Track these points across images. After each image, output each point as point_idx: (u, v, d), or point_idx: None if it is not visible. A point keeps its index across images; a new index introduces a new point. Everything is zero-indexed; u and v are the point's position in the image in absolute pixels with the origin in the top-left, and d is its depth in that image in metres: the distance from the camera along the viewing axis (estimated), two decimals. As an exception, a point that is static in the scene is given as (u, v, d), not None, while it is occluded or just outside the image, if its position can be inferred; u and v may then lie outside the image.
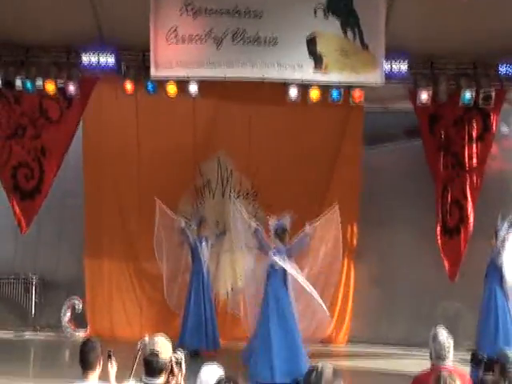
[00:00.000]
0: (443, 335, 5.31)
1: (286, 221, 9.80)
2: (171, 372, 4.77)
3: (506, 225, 9.61)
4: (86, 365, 5.34)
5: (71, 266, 13.20)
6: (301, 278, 9.50)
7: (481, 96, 10.30)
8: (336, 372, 2.86)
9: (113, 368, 5.72)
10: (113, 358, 5.71)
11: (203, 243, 11.37)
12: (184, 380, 4.85)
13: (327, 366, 2.88)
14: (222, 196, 12.91)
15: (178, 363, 4.80)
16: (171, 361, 4.77)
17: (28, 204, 11.55)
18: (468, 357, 8.11)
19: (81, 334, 12.29)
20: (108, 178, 12.70)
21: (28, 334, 12.88)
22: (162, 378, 4.76)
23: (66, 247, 13.38)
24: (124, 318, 12.58)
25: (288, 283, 9.59)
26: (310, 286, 9.47)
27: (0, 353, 10.82)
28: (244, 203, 12.61)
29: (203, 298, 11.31)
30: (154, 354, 4.73)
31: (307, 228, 9.89)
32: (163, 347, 4.80)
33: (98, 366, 5.37)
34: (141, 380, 4.67)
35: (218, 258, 12.66)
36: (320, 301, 9.48)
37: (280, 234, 9.73)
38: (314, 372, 2.83)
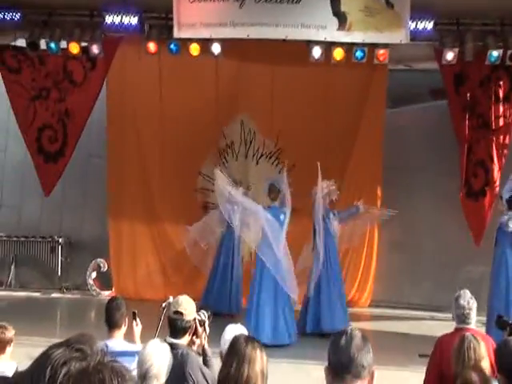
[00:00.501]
0: (465, 298, 5.31)
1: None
2: (195, 332, 4.82)
3: (507, 187, 9.39)
4: (111, 323, 5.42)
5: (96, 226, 13.34)
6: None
7: (508, 55, 10.08)
8: (365, 338, 2.83)
9: (138, 327, 5.81)
10: (137, 318, 5.79)
11: (235, 206, 11.30)
12: (207, 340, 4.91)
13: (356, 331, 2.80)
14: (245, 157, 12.92)
15: (202, 324, 4.84)
16: (195, 321, 4.82)
17: (51, 167, 11.58)
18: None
19: (106, 294, 12.46)
20: (131, 140, 12.74)
21: (54, 294, 13.08)
22: (185, 338, 4.81)
23: (91, 208, 13.51)
24: (148, 278, 12.71)
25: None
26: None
27: (27, 312, 10.99)
28: (267, 164, 12.67)
29: (232, 261, 11.35)
30: (179, 313, 4.78)
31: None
32: (188, 307, 4.84)
33: (123, 325, 5.45)
34: (165, 341, 4.72)
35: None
36: None
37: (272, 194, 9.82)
38: (344, 336, 2.79)
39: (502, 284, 9.09)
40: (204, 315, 4.91)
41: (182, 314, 4.79)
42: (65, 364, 1.36)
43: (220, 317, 10.06)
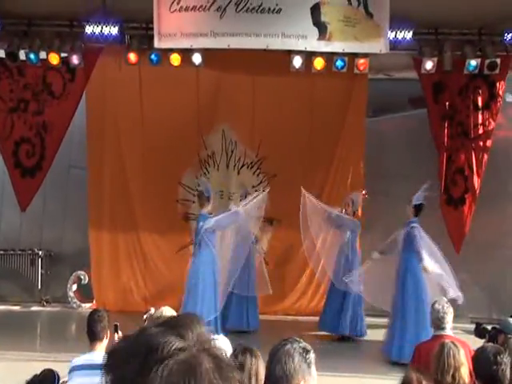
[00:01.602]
0: (440, 303, 5.37)
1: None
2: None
3: (419, 194, 9.47)
4: (93, 335, 5.39)
5: (76, 238, 13.24)
6: None
7: (486, 64, 10.19)
8: (300, 349, 2.81)
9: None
10: (119, 330, 5.75)
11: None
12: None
13: (293, 344, 2.81)
14: (227, 167, 12.90)
15: None
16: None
17: (28, 182, 11.42)
18: (470, 327, 8.16)
19: (87, 307, 12.37)
20: (111, 150, 12.68)
21: (34, 307, 12.96)
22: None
23: (72, 220, 13.41)
24: (129, 290, 12.64)
25: None
26: None
27: (7, 326, 10.89)
28: (248, 173, 12.69)
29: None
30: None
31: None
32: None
33: (105, 337, 5.43)
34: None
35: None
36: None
37: None
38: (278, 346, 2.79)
39: (409, 290, 9.15)
40: None
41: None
42: (160, 348, 1.29)
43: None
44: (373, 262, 9.82)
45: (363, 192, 10.54)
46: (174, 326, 1.34)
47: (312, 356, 2.81)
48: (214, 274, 9.50)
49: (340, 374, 7.95)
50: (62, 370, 5.96)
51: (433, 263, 9.00)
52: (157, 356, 1.28)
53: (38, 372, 5.88)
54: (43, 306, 13.04)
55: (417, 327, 8.84)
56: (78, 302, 12.82)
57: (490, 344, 4.21)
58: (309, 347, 2.84)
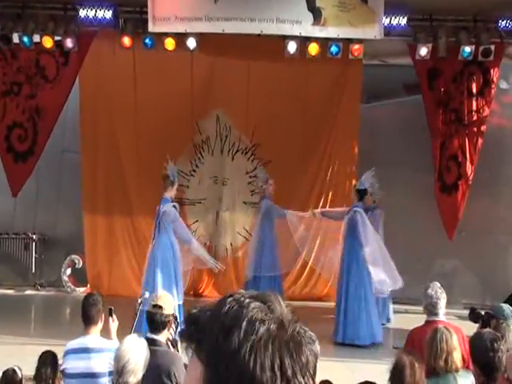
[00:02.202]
0: (433, 288, 5.40)
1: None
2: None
3: (365, 179, 9.66)
4: (87, 319, 5.41)
5: (70, 222, 13.25)
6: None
7: (480, 50, 10.20)
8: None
9: (114, 323, 5.79)
10: (114, 314, 5.78)
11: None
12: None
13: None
14: (221, 153, 12.90)
15: (176, 321, 4.85)
16: (173, 317, 4.83)
17: (20, 167, 11.34)
18: (463, 313, 8.23)
19: (81, 291, 12.40)
20: (105, 135, 12.66)
21: (28, 291, 12.98)
22: (164, 334, 4.81)
23: (65, 204, 13.41)
24: (123, 274, 12.65)
25: None
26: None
27: (1, 309, 10.90)
28: (243, 159, 12.69)
29: None
30: (158, 307, 4.78)
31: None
32: (166, 301, 4.85)
33: (99, 321, 5.44)
34: (145, 337, 4.71)
35: (218, 215, 12.73)
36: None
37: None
38: None
39: (352, 274, 9.32)
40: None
41: (161, 307, 4.80)
42: (263, 322, 1.29)
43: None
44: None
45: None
46: (264, 300, 1.33)
47: (318, 347, 2.74)
48: (173, 260, 9.16)
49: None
50: (56, 353, 6.01)
51: (373, 250, 9.15)
52: (261, 329, 1.28)
53: (32, 355, 5.94)
54: (37, 289, 13.07)
55: (359, 309, 9.15)
56: (72, 286, 12.85)
57: (488, 330, 4.25)
58: (314, 337, 2.75)
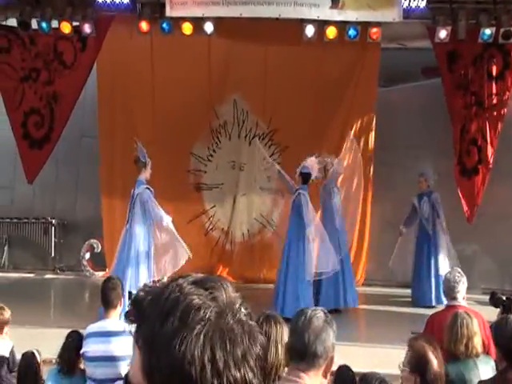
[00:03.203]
0: (452, 272, 5.37)
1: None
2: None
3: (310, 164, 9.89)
4: (107, 303, 5.45)
5: (89, 207, 13.33)
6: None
7: (501, 33, 10.06)
8: (327, 320, 2.63)
9: (133, 307, 5.81)
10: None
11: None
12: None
13: (317, 314, 2.64)
14: (238, 137, 12.89)
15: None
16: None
17: (36, 153, 11.33)
18: (482, 298, 8.19)
19: (100, 275, 12.47)
20: (123, 120, 12.68)
21: (48, 275, 13.09)
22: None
23: (84, 189, 13.49)
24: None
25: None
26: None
27: (21, 293, 11.00)
28: (260, 145, 12.66)
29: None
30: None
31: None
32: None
33: (118, 305, 5.48)
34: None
35: (235, 200, 12.72)
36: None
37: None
38: (303, 317, 2.60)
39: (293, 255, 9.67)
40: None
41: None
42: (199, 310, 1.24)
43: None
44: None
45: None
46: (206, 286, 1.28)
47: (335, 326, 2.74)
48: (147, 245, 9.15)
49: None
50: (82, 334, 6.06)
51: (315, 231, 9.55)
52: (195, 318, 1.23)
53: (51, 339, 5.99)
54: (57, 274, 13.19)
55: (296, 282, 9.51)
56: (91, 271, 12.93)
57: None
58: (330, 317, 2.75)
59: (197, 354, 1.21)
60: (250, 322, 1.29)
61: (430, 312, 7.00)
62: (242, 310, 1.29)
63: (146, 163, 9.37)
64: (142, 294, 1.33)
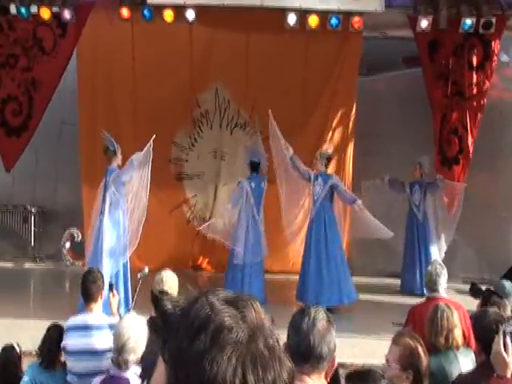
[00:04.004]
0: (433, 265, 5.41)
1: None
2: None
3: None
4: (87, 297, 5.42)
5: (69, 195, 13.21)
6: None
7: (481, 23, 10.11)
8: (329, 320, 2.59)
9: (115, 299, 5.81)
10: (114, 289, 5.78)
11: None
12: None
13: (320, 314, 2.58)
14: (220, 126, 12.84)
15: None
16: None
17: (14, 141, 11.15)
18: (462, 287, 8.26)
19: (80, 264, 12.40)
20: (103, 107, 12.56)
21: (28, 264, 13.01)
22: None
23: (64, 177, 13.37)
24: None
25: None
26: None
27: (0, 283, 10.93)
28: (242, 134, 12.63)
29: None
30: (164, 293, 4.77)
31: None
32: (172, 285, 4.84)
33: (99, 298, 5.45)
34: (150, 317, 4.68)
35: (216, 190, 12.70)
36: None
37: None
38: (306, 318, 2.54)
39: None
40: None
41: (166, 293, 4.79)
42: (231, 331, 1.22)
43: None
44: None
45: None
46: (238, 306, 1.26)
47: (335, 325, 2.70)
48: (122, 233, 9.03)
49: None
50: (63, 328, 6.02)
51: None
52: (227, 339, 1.22)
53: (30, 330, 5.95)
54: (36, 263, 13.10)
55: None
56: (71, 260, 12.86)
57: (494, 310, 4.23)
58: (331, 315, 2.72)
59: (229, 376, 1.20)
60: (279, 347, 1.28)
61: (416, 300, 7.06)
62: (272, 334, 1.28)
63: (116, 151, 9.29)
64: (169, 306, 1.32)
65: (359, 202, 9.53)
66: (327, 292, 9.52)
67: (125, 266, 8.90)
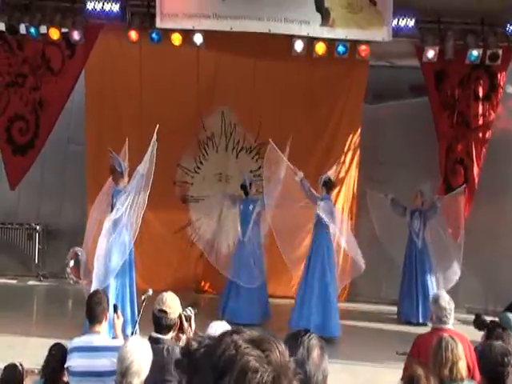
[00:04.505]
0: (445, 299, 5.36)
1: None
2: (181, 328, 4.86)
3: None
4: (92, 318, 5.43)
5: (74, 214, 13.24)
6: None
7: (488, 54, 10.20)
8: (322, 347, 2.55)
9: (119, 320, 5.83)
10: (119, 311, 5.81)
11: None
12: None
13: (313, 341, 2.54)
14: (226, 150, 12.90)
15: (188, 319, 4.89)
16: (180, 317, 4.86)
17: (19, 159, 11.25)
18: (467, 317, 8.25)
19: (84, 283, 12.39)
20: (109, 128, 12.61)
21: (31, 282, 13.01)
22: (170, 334, 4.85)
23: (69, 195, 13.41)
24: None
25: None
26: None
27: (3, 300, 10.94)
28: (247, 158, 12.68)
29: None
30: (163, 312, 4.82)
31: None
32: (172, 305, 4.88)
33: (104, 319, 5.47)
34: (150, 336, 4.76)
35: (221, 213, 12.72)
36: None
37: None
38: (301, 347, 2.49)
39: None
40: (190, 311, 4.95)
41: (166, 312, 4.83)
42: (256, 373, 1.23)
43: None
44: None
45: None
46: (262, 348, 1.27)
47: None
48: (127, 255, 9.17)
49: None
50: (66, 347, 6.04)
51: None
52: (252, 381, 1.22)
53: (33, 348, 5.95)
54: (40, 280, 13.10)
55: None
56: (75, 278, 12.84)
57: (500, 343, 4.24)
58: (322, 341, 2.72)
59: None
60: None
61: (414, 329, 7.07)
62: (295, 374, 1.29)
63: (123, 172, 9.34)
64: (194, 344, 1.33)
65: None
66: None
67: (131, 287, 8.94)
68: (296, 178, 9.80)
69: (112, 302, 7.37)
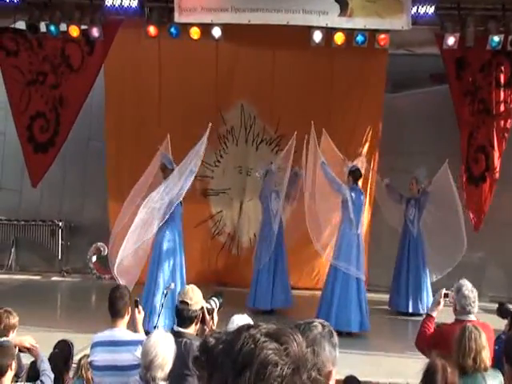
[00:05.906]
0: (468, 289, 5.27)
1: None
2: (203, 321, 4.86)
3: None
4: (114, 313, 5.44)
5: (96, 210, 13.35)
6: None
7: (509, 40, 10.04)
8: (323, 334, 2.55)
9: (140, 315, 5.84)
10: (140, 305, 5.82)
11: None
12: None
13: (312, 326, 2.54)
14: (246, 142, 12.89)
15: (210, 312, 4.89)
16: (202, 310, 4.86)
17: (40, 157, 11.36)
18: (490, 306, 8.17)
19: (106, 278, 12.49)
20: (130, 123, 12.70)
21: (55, 277, 13.13)
22: (192, 327, 4.85)
23: (91, 191, 13.52)
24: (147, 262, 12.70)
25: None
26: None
27: (28, 295, 11.04)
28: (267, 150, 12.65)
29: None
30: (184, 303, 4.82)
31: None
32: (194, 297, 4.88)
33: (126, 314, 5.48)
34: (172, 329, 4.77)
35: (242, 205, 12.73)
36: None
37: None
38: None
39: None
40: (215, 302, 4.94)
41: (187, 303, 4.84)
42: (276, 366, 1.23)
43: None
44: None
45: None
46: (281, 341, 1.27)
47: (336, 338, 2.68)
48: (179, 250, 9.55)
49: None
50: (81, 340, 6.10)
51: None
52: (273, 375, 1.22)
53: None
54: (63, 276, 13.22)
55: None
56: (98, 274, 12.95)
57: None
58: (331, 328, 2.69)
59: None
60: (322, 380, 1.30)
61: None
62: (314, 365, 1.29)
63: (174, 169, 9.47)
64: (212, 340, 1.33)
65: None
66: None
67: (157, 282, 9.09)
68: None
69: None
